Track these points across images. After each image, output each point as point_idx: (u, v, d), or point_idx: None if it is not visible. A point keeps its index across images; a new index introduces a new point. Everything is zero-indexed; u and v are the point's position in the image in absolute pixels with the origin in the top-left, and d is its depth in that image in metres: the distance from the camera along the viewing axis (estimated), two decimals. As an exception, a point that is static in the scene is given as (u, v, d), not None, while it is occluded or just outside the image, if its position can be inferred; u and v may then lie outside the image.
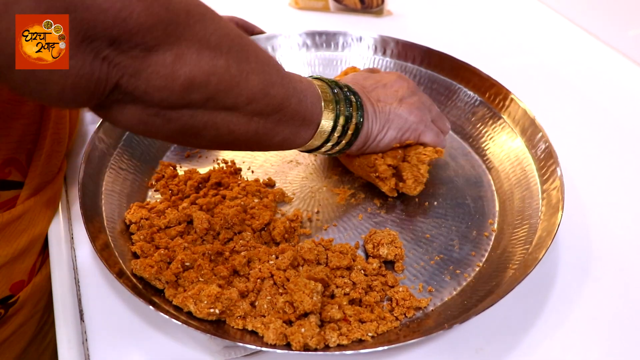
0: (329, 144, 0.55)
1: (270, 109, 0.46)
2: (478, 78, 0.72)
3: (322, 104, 0.52)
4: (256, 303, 0.49)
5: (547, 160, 0.61)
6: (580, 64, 0.89)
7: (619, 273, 0.57)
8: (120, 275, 0.48)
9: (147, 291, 0.49)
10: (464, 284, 0.55)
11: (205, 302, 0.47)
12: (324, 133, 0.53)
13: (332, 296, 0.51)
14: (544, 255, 0.50)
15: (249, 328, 0.47)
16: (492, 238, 0.60)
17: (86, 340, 0.49)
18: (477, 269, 0.56)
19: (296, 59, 0.80)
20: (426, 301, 0.53)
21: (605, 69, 0.88)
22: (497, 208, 0.63)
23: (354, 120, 0.54)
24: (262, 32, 0.80)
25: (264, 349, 0.45)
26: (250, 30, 0.79)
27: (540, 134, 0.63)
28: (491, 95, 0.71)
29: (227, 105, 0.43)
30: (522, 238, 0.57)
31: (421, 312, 0.52)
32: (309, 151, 0.56)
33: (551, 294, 0.55)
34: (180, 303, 0.48)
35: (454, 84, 0.74)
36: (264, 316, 0.48)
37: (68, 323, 0.50)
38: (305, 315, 0.48)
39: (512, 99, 0.68)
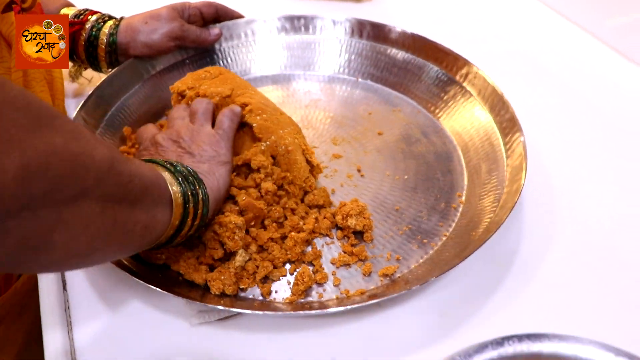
0: (189, 220, 0.48)
1: (122, 190, 0.39)
2: (450, 57, 0.75)
3: (164, 174, 0.47)
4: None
5: (511, 131, 0.64)
6: (552, 47, 0.92)
7: (580, 238, 0.60)
8: None
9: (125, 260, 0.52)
10: (431, 252, 0.57)
11: None
12: (179, 207, 0.46)
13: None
14: (506, 219, 0.53)
15: (182, 272, 0.53)
16: (460, 210, 0.62)
17: (69, 308, 0.52)
18: (444, 238, 0.59)
19: (274, 43, 0.82)
20: (393, 268, 0.55)
21: (579, 51, 0.91)
22: (465, 182, 0.65)
23: (196, 183, 0.50)
24: (241, 17, 0.82)
25: (234, 310, 0.48)
26: (230, 15, 0.81)
27: (506, 109, 0.66)
28: (462, 75, 0.73)
29: (75, 192, 0.34)
30: (487, 207, 0.59)
31: (388, 278, 0.55)
32: (169, 241, 0.49)
33: (515, 259, 0.57)
34: None
35: (427, 64, 0.77)
36: (201, 261, 0.53)
37: (51, 292, 0.53)
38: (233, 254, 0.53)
39: (481, 76, 0.71)
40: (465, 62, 0.73)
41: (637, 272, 0.56)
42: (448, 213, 0.62)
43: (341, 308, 0.48)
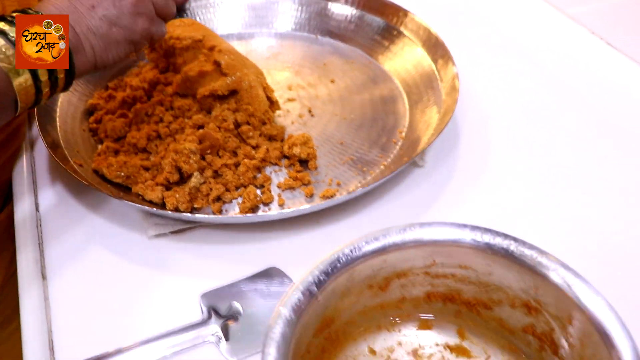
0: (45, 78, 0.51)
1: None
2: (391, 8, 0.83)
3: None
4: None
5: (445, 63, 0.71)
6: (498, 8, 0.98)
7: (512, 161, 0.66)
8: (64, 161, 0.58)
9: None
10: (369, 178, 0.64)
11: (115, 166, 0.58)
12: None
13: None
14: (435, 138, 0.60)
15: (140, 192, 0.58)
16: (399, 144, 0.68)
17: (40, 225, 0.58)
18: (382, 167, 0.65)
19: (238, 3, 0.88)
20: (333, 191, 0.61)
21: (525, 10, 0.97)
22: (407, 121, 0.71)
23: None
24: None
25: (186, 216, 0.54)
26: None
27: (441, 47, 0.74)
28: (402, 23, 0.80)
29: None
30: (423, 137, 0.65)
31: (330, 200, 0.61)
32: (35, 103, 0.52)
33: (450, 181, 0.64)
34: (96, 167, 0.60)
35: (374, 19, 0.83)
36: (157, 183, 0.59)
37: (25, 210, 0.59)
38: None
39: (417, 22, 0.79)
40: (405, 12, 0.81)
41: (561, 190, 0.63)
42: (388, 146, 0.68)
43: (281, 211, 0.54)
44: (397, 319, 0.47)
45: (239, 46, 0.84)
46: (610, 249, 0.56)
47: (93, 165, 0.61)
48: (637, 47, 0.82)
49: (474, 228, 0.44)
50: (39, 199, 0.61)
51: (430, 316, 0.48)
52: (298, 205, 0.60)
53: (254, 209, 0.59)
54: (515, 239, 0.44)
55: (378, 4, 0.83)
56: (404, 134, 0.69)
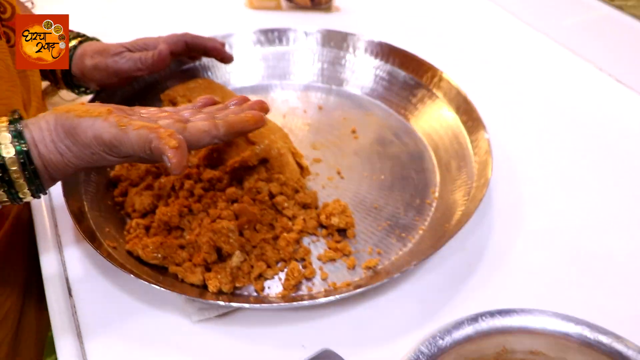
0: None
1: None
2: (416, 62, 0.81)
3: None
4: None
5: (476, 129, 0.69)
6: (511, 49, 0.98)
7: (545, 225, 0.65)
8: (96, 243, 0.56)
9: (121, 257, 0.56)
10: (409, 244, 0.62)
11: (151, 247, 0.56)
12: None
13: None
14: (475, 210, 0.58)
15: (180, 275, 0.56)
16: (434, 205, 0.67)
17: (76, 313, 0.55)
18: (421, 232, 0.64)
19: (251, 55, 0.87)
20: (375, 261, 0.60)
21: (536, 53, 0.97)
22: (438, 179, 0.70)
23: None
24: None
25: (233, 304, 0.52)
26: (203, 46, 0.74)
27: (471, 109, 0.72)
28: (428, 78, 0.79)
29: None
30: (458, 200, 0.64)
31: (371, 270, 0.59)
32: None
33: (486, 247, 0.62)
34: (131, 249, 0.58)
35: (394, 69, 0.82)
36: (195, 264, 0.57)
37: (59, 299, 0.56)
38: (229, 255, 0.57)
39: (445, 79, 0.76)
40: (430, 67, 0.79)
41: (599, 257, 0.62)
42: (423, 208, 0.67)
43: (330, 298, 0.52)
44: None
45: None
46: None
47: (127, 246, 0.58)
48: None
49: (547, 313, 0.44)
50: (70, 283, 0.58)
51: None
52: (341, 278, 0.59)
53: (297, 285, 0.57)
54: (589, 325, 0.43)
55: (402, 56, 0.83)
56: (436, 194, 0.68)
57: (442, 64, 0.79)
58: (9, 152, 0.46)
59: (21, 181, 0.47)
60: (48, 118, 0.48)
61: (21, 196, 0.48)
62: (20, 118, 0.48)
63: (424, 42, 0.96)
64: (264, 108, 0.55)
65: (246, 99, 0.57)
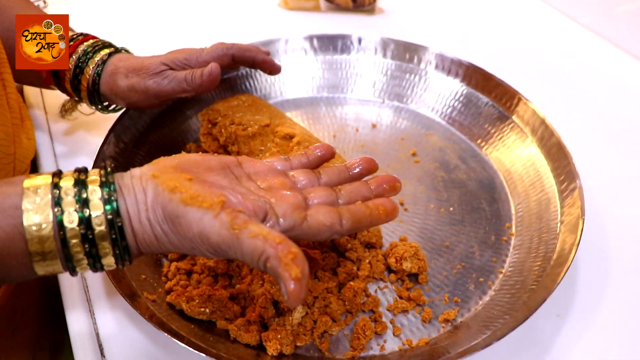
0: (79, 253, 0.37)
1: None
2: (483, 78, 0.72)
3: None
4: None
5: (561, 161, 0.61)
6: (579, 60, 0.89)
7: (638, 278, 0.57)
8: (136, 302, 0.47)
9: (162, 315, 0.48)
10: (489, 292, 0.54)
11: (197, 300, 0.49)
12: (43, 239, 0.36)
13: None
14: (561, 280, 0.50)
15: (232, 334, 0.48)
16: (512, 242, 0.59)
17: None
18: (500, 275, 0.56)
19: (297, 64, 0.79)
20: (454, 313, 0.52)
21: (609, 67, 0.88)
22: (512, 211, 0.63)
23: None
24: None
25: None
26: (251, 59, 0.64)
27: (551, 134, 0.63)
28: (498, 96, 0.70)
29: None
30: (541, 250, 0.56)
31: (450, 324, 0.52)
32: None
33: (572, 305, 0.55)
34: (173, 301, 0.50)
35: (457, 83, 0.74)
36: (250, 321, 0.49)
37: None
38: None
39: (520, 99, 0.68)
40: (500, 84, 0.71)
41: None
42: (500, 247, 0.59)
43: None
44: None
45: (303, 115, 0.75)
46: None
47: (169, 298, 0.50)
48: None
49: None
50: (102, 341, 0.50)
51: None
52: (417, 333, 0.51)
53: (367, 343, 0.50)
54: None
55: (477, 75, 0.74)
56: (513, 229, 0.60)
57: (501, 73, 0.71)
58: (101, 227, 0.37)
59: (109, 256, 0.38)
60: (146, 189, 0.38)
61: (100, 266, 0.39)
62: (112, 171, 0.39)
63: (474, 47, 0.88)
64: (396, 188, 0.48)
65: (369, 165, 0.50)
